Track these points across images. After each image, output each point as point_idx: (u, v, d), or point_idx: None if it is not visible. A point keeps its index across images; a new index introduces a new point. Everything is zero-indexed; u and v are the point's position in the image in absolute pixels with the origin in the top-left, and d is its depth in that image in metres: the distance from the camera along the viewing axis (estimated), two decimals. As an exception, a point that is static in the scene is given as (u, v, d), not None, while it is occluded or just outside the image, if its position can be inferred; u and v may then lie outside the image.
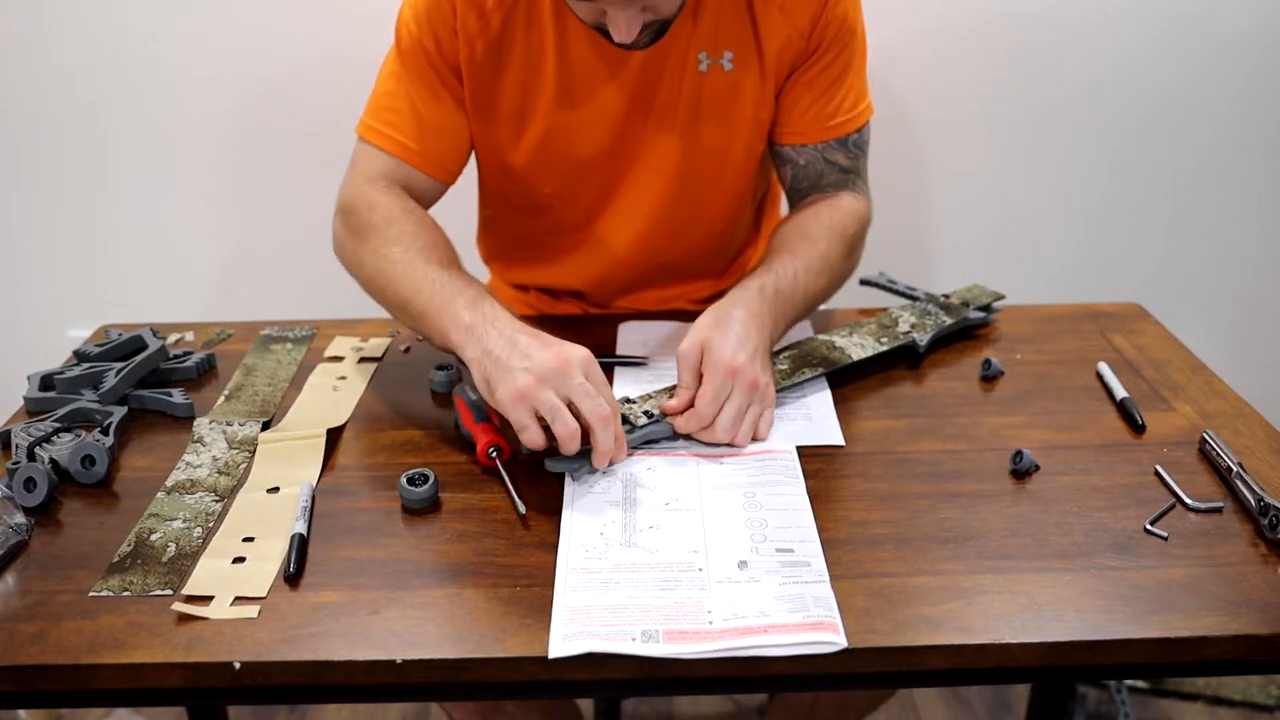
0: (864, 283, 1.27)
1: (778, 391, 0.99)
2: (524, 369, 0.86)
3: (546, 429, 0.87)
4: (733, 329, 0.95)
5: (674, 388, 0.97)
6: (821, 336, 1.09)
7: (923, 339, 1.09)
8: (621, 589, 0.76)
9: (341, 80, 1.58)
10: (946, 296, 1.17)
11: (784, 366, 1.03)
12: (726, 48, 1.10)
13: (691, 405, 0.94)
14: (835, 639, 0.70)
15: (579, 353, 0.88)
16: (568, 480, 0.89)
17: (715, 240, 1.25)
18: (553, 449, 0.88)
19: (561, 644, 0.70)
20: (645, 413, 0.95)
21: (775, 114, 1.16)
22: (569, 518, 0.84)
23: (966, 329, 1.16)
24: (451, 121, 1.12)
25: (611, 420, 0.87)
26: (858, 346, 1.07)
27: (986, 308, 1.17)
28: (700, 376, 0.94)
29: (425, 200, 1.13)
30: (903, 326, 1.11)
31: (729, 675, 0.71)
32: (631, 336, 1.16)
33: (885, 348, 1.07)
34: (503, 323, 0.92)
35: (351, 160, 1.13)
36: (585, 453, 0.89)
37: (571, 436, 0.86)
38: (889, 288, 1.24)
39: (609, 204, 1.19)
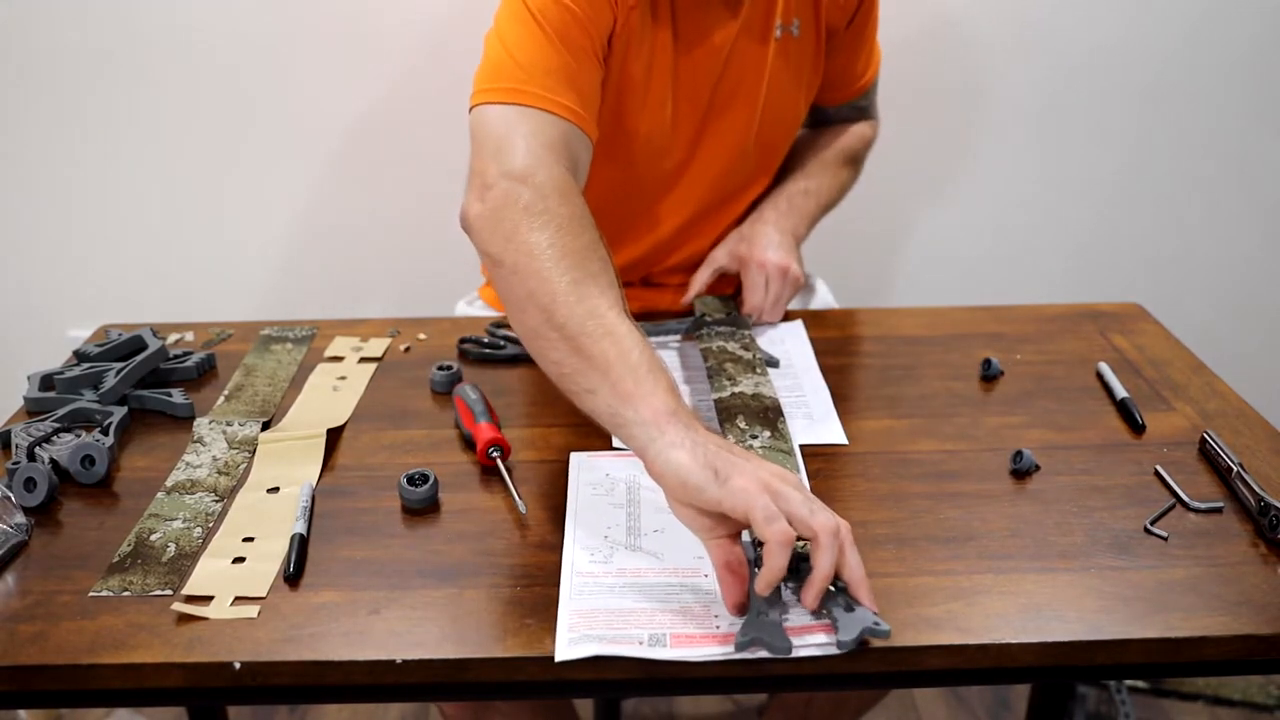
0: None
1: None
2: (754, 469, 0.75)
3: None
4: (768, 236, 1.17)
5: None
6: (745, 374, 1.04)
7: (771, 355, 1.10)
8: (627, 593, 0.75)
9: (343, 80, 1.58)
10: (703, 314, 1.16)
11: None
12: (795, 15, 1.16)
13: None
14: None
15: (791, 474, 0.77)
16: (571, 481, 0.89)
17: (750, 208, 1.29)
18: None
19: (568, 648, 0.70)
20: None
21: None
22: (573, 520, 0.84)
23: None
24: (597, 87, 1.06)
25: (837, 537, 0.73)
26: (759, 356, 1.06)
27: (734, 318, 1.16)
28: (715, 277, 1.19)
29: (586, 170, 1.05)
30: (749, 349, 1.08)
31: (729, 675, 0.71)
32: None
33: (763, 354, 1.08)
34: (702, 423, 0.79)
35: (506, 128, 0.98)
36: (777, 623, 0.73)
37: (830, 532, 0.72)
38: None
39: (688, 166, 1.21)
